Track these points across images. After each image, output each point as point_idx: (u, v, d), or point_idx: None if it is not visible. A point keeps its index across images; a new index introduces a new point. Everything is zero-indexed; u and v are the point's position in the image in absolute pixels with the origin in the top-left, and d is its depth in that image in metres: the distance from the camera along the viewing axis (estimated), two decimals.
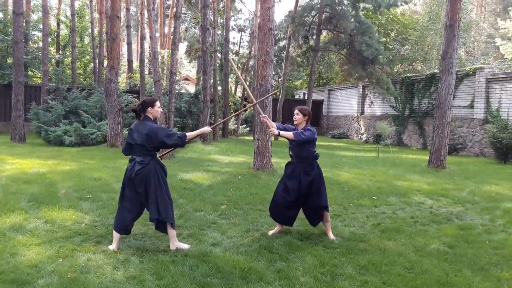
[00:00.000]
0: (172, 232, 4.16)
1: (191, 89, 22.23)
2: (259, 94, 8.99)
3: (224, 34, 20.56)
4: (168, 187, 4.23)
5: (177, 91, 18.12)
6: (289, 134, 4.44)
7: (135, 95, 18.60)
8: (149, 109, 4.15)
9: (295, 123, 4.72)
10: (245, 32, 27.63)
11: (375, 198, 6.83)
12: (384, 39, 24.67)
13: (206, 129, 4.67)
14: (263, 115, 4.80)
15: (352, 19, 18.15)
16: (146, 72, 21.60)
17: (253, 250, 4.18)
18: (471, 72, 15.00)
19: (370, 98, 21.34)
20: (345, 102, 24.00)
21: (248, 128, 21.81)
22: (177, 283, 3.41)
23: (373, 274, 3.70)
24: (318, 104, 25.38)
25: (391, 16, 24.48)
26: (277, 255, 4.09)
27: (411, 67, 25.64)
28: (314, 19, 19.62)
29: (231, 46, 27.74)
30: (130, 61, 24.37)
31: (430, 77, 17.11)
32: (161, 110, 4.38)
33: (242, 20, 35.30)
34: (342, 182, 8.11)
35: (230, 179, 7.99)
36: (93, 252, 4.01)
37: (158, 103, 4.22)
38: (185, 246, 4.22)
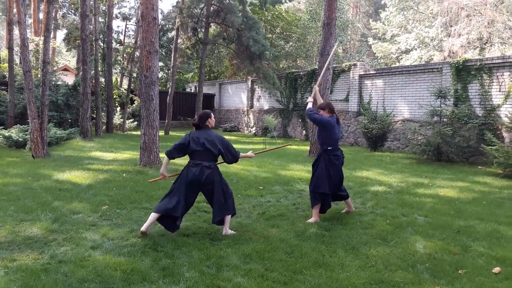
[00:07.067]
0: (228, 218, 4.63)
1: (71, 80, 20.39)
2: (144, 86, 8.65)
3: (106, 21, 19.30)
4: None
5: (53, 83, 16.54)
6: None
7: (3, 87, 16.51)
8: (208, 120, 4.67)
9: None
10: (130, 21, 26.27)
11: (261, 188, 7.08)
12: (270, 35, 25.63)
13: (250, 154, 5.07)
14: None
15: (240, 14, 18.47)
16: (18, 61, 19.27)
17: (137, 251, 4.01)
18: (346, 68, 16.37)
19: (258, 92, 22.04)
20: (235, 96, 24.42)
21: (135, 123, 20.82)
22: None
23: (257, 261, 3.82)
24: (209, 98, 25.37)
25: (276, 13, 25.52)
26: (162, 253, 3.98)
27: (294, 63, 27.12)
28: (202, 12, 19.52)
29: (115, 35, 26.25)
30: None
31: (311, 73, 18.25)
32: (214, 120, 4.83)
33: (127, 8, 33.50)
34: (231, 174, 8.24)
35: (113, 178, 7.56)
36: None
37: (212, 114, 4.77)
38: (232, 232, 4.63)
